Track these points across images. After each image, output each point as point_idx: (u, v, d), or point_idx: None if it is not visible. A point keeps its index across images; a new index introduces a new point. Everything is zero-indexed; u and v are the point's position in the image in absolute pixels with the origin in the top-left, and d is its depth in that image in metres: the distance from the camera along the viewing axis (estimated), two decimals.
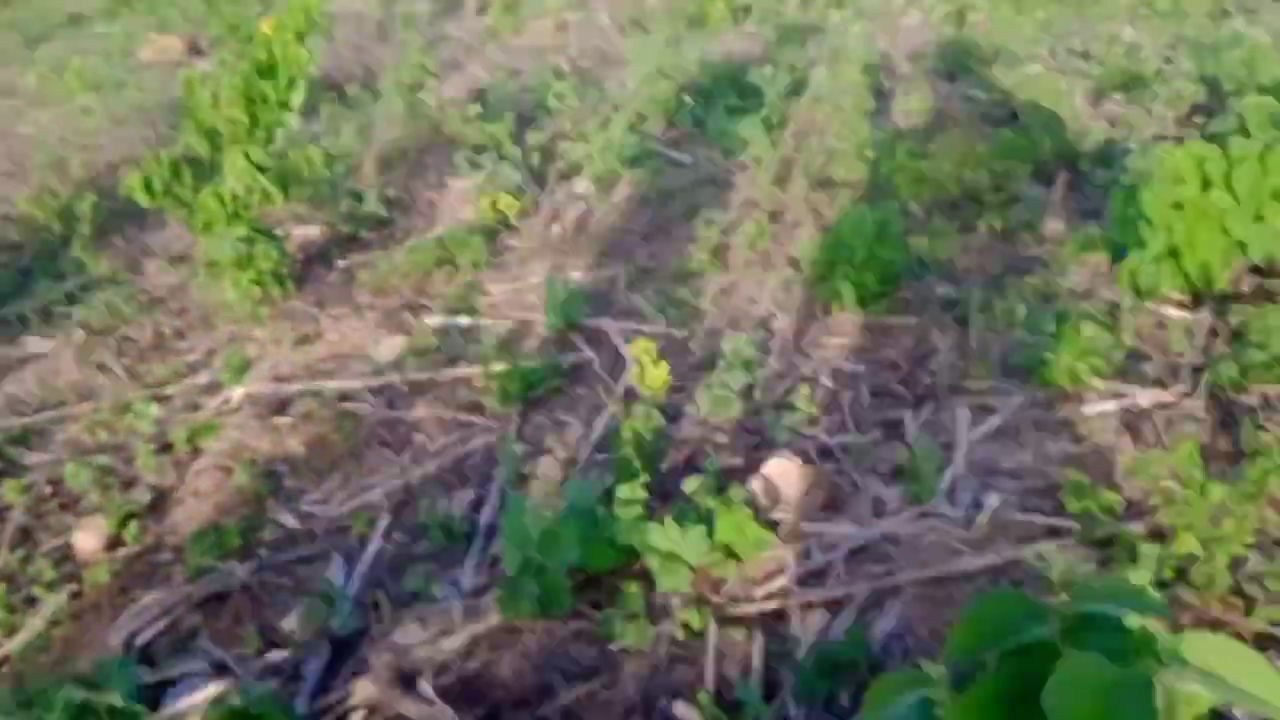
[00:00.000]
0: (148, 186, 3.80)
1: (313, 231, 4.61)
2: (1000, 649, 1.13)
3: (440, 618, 2.50)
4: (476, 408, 3.37)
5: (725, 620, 2.44)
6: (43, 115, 6.29)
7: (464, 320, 3.85)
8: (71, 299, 4.17)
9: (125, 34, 7.98)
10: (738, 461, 2.97)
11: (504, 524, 2.59)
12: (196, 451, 3.21)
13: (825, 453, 3.04)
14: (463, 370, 3.54)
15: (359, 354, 3.72)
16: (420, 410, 3.37)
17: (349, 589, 2.65)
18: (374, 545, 2.80)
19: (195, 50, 7.46)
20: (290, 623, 2.54)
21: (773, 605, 2.49)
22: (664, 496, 2.73)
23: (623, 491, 2.53)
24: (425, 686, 2.32)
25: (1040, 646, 1.10)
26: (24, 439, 3.35)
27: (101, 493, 3.02)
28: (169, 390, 3.55)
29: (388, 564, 2.76)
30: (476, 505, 2.94)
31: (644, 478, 2.59)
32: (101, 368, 3.71)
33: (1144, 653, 1.08)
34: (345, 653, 2.48)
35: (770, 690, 2.28)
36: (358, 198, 4.75)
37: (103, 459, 3.17)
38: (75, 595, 2.72)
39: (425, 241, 4.41)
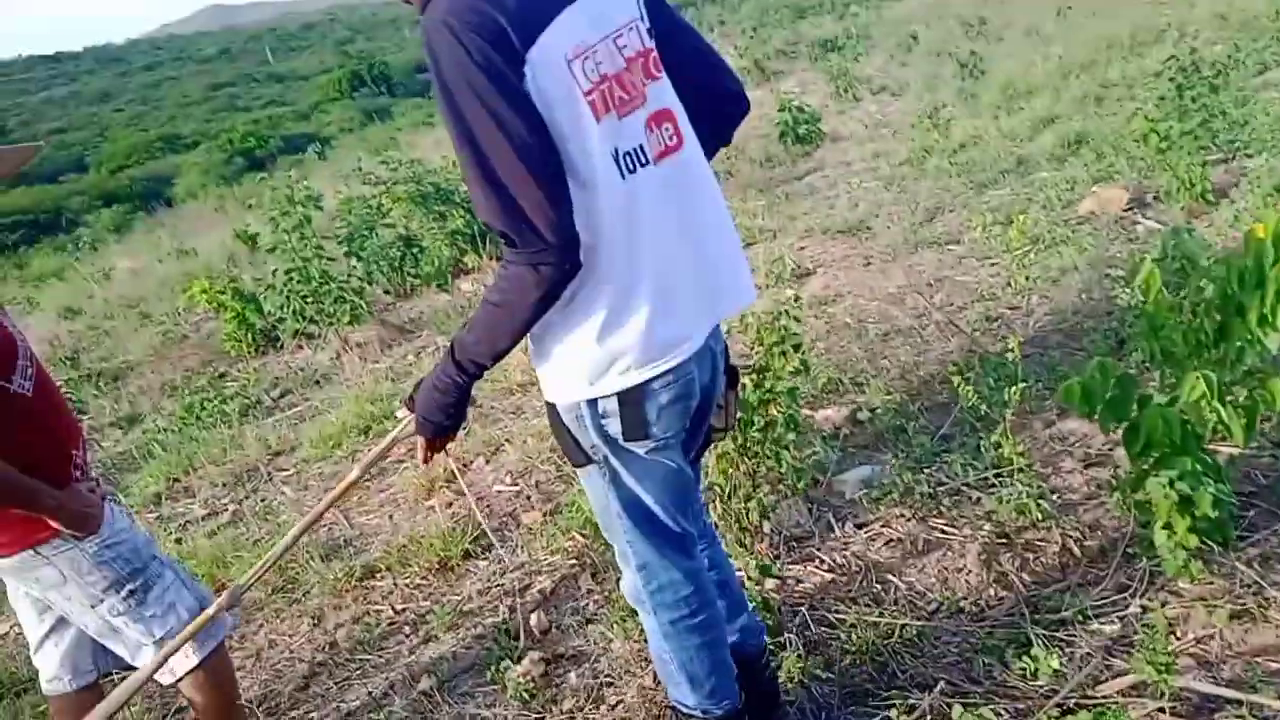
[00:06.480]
0: (1085, 396, 3.46)
1: None
2: None
3: None
4: None
5: None
6: (981, 267, 6.57)
7: None
8: (984, 484, 4.07)
9: (1069, 182, 7.98)
10: None
11: None
12: None
13: None
14: None
15: None
16: None
17: None
18: None
19: (1139, 204, 7.06)
20: None
21: None
22: None
23: None
24: None
25: None
26: None
27: None
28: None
29: None
30: None
31: None
32: (999, 578, 3.51)
33: None
34: None
35: None
36: None
37: None
38: None
39: None
